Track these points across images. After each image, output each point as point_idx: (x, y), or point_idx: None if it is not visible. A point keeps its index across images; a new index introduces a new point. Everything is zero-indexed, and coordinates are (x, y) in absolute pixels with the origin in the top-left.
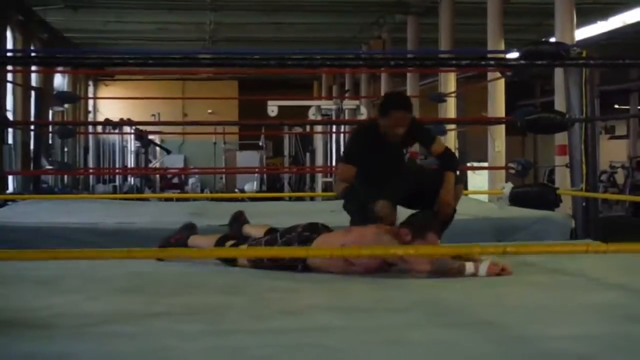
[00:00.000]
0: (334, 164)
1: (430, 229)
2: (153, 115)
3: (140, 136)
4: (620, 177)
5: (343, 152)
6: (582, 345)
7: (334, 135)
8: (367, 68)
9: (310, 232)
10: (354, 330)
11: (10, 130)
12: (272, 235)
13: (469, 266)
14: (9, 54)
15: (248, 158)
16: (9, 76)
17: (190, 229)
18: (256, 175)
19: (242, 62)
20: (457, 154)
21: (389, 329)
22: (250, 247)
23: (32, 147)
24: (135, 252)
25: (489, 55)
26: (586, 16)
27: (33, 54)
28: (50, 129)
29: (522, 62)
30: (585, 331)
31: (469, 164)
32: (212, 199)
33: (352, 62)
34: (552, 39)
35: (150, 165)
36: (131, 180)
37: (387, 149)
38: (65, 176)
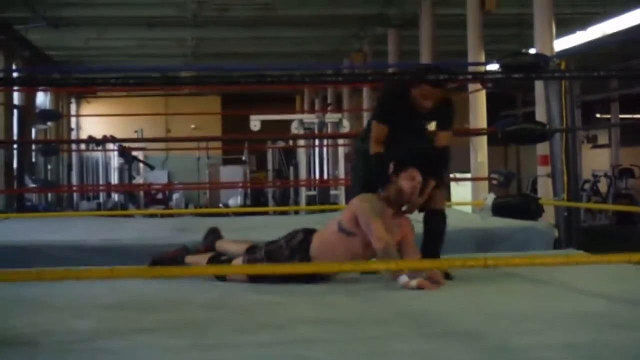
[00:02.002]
0: (317, 177)
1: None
2: (136, 131)
3: (124, 153)
4: (603, 186)
5: (374, 111)
6: (566, 354)
7: (316, 149)
8: (347, 84)
9: (304, 234)
10: (338, 342)
11: None
12: (253, 255)
13: (402, 278)
14: None
15: (232, 172)
16: None
17: (186, 249)
18: (240, 189)
19: (222, 80)
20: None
21: (373, 340)
22: (245, 265)
23: (15, 165)
24: (118, 271)
25: (469, 69)
26: (566, 26)
27: (15, 75)
28: (34, 147)
29: (499, 76)
30: (570, 340)
31: (451, 175)
32: (197, 215)
33: (331, 79)
34: (532, 50)
35: (134, 181)
36: (115, 196)
37: (413, 117)
38: (49, 194)
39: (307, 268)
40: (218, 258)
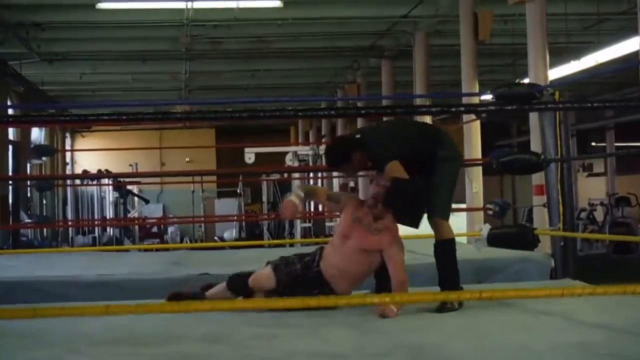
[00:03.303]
0: (312, 209)
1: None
2: (131, 165)
3: (119, 187)
4: (599, 214)
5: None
6: None
7: (311, 181)
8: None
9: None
10: None
11: None
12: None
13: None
14: None
15: (226, 205)
16: None
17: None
18: (235, 222)
19: (216, 115)
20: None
21: None
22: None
23: (10, 201)
24: (113, 307)
25: (463, 102)
26: (559, 56)
27: (10, 111)
28: (29, 182)
29: (492, 107)
30: None
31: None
32: (192, 249)
33: (324, 113)
34: (526, 80)
35: (129, 215)
36: (110, 231)
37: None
38: (45, 229)
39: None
40: (237, 275)
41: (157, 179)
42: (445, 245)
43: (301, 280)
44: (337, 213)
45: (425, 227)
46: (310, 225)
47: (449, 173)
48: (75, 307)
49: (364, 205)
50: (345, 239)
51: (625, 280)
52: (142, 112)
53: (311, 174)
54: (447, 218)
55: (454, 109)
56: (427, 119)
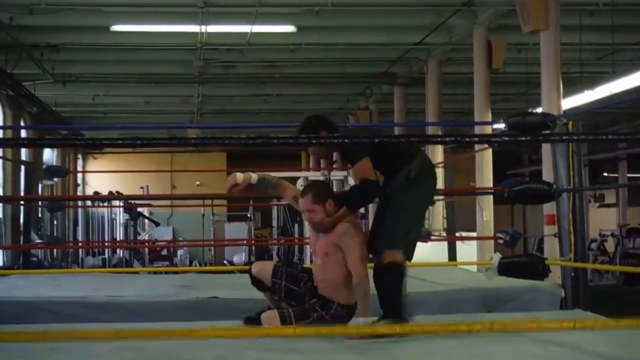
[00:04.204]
0: None
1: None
2: (142, 187)
3: (129, 209)
4: (610, 245)
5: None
6: None
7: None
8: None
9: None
10: None
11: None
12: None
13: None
14: None
15: (236, 229)
16: None
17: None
18: (245, 246)
19: (229, 141)
20: (445, 223)
21: None
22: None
23: (22, 221)
24: (124, 332)
25: (475, 130)
26: (573, 86)
27: (23, 132)
28: (40, 202)
29: (507, 138)
30: None
31: (457, 234)
32: (201, 272)
33: (338, 141)
34: (539, 109)
35: (139, 237)
36: (120, 252)
37: None
38: (55, 249)
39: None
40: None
41: (168, 202)
42: (383, 271)
43: (297, 291)
44: None
45: (432, 254)
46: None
47: (414, 197)
48: (86, 331)
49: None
50: (314, 254)
51: (635, 313)
52: (157, 137)
53: None
54: (394, 247)
55: (468, 139)
56: (439, 147)
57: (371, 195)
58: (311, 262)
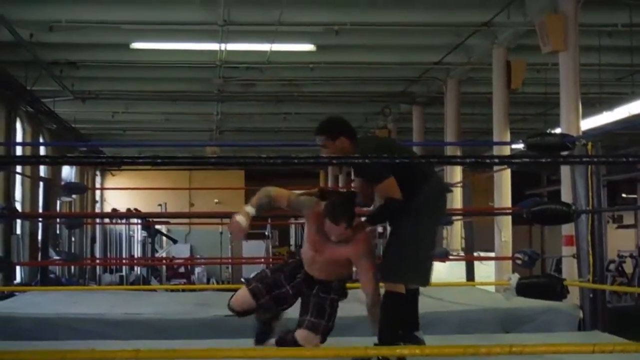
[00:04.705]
0: None
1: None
2: (160, 204)
3: (147, 226)
4: (628, 266)
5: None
6: None
7: None
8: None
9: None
10: None
11: (18, 220)
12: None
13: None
14: (19, 151)
15: (254, 247)
16: (18, 168)
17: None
18: (262, 264)
19: (250, 160)
20: (463, 243)
21: None
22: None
23: (40, 237)
24: (142, 352)
25: (494, 150)
26: (592, 106)
27: (42, 149)
28: (58, 219)
29: (527, 159)
30: None
31: (475, 254)
32: (218, 290)
33: (358, 161)
34: (558, 129)
35: (157, 254)
36: (138, 269)
37: None
38: (73, 266)
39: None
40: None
41: (186, 219)
42: (383, 299)
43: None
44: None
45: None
46: None
47: (421, 224)
48: (104, 351)
49: (319, 220)
50: (316, 252)
51: None
52: (178, 156)
53: None
54: (394, 281)
55: (488, 160)
56: (458, 168)
57: (396, 213)
58: None
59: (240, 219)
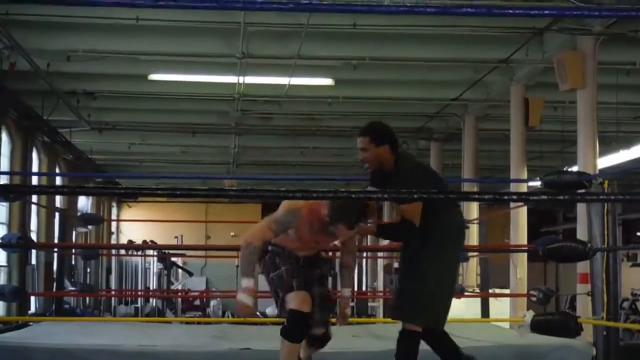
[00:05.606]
0: (355, 289)
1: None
2: (176, 237)
3: (163, 258)
4: None
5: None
6: None
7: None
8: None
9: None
10: None
11: (33, 250)
12: None
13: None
14: (34, 181)
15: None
16: (34, 198)
17: None
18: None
19: (268, 194)
20: (478, 280)
21: None
22: None
23: (55, 268)
24: None
25: (511, 187)
26: (609, 145)
27: (58, 180)
28: (74, 250)
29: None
30: None
31: (490, 290)
32: (234, 323)
33: (377, 196)
34: (575, 167)
35: (173, 287)
36: (153, 302)
37: (381, 178)
38: (88, 297)
39: None
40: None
41: (202, 252)
42: (399, 336)
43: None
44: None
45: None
46: (353, 304)
47: (441, 260)
48: None
49: (317, 218)
50: (316, 244)
51: None
52: (196, 189)
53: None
54: (411, 321)
55: (506, 197)
56: (475, 204)
57: (405, 237)
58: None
59: (243, 298)
